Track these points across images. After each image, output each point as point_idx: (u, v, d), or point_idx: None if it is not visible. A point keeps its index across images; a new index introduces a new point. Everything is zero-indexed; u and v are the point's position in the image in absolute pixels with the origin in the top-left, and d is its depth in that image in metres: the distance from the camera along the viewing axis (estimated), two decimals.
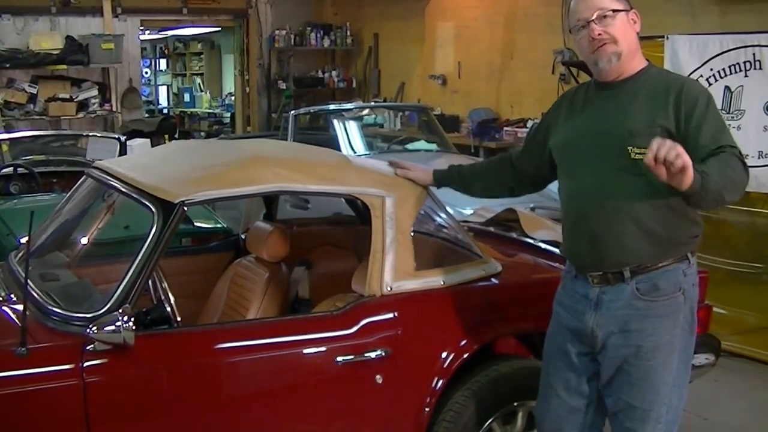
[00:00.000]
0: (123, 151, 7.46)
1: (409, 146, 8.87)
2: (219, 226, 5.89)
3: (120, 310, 2.94)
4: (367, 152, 8.30)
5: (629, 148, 2.92)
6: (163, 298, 3.25)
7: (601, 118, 3.07)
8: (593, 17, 2.98)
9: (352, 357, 3.30)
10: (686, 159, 2.53)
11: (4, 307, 3.33)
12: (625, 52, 3.01)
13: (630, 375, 3.06)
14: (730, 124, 5.54)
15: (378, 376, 3.34)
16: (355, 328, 3.33)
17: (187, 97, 18.15)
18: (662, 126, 2.90)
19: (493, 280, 3.73)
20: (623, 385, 3.08)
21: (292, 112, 8.79)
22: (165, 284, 3.28)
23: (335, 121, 8.63)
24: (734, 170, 2.76)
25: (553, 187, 4.64)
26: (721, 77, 5.74)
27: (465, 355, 3.47)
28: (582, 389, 3.21)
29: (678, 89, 2.94)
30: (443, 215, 3.94)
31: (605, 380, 3.13)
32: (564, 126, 3.22)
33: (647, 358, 3.03)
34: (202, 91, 18.06)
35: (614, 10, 2.99)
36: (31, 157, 7.84)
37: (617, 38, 2.98)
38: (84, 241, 4.10)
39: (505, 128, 10.04)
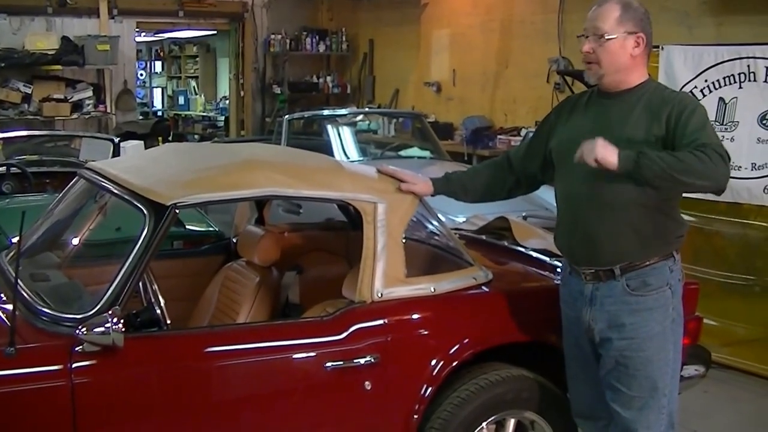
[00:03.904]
0: (116, 153, 7.42)
1: (403, 153, 8.87)
2: (211, 229, 5.88)
3: (110, 312, 2.93)
4: (361, 158, 8.30)
5: None
6: (153, 300, 3.25)
7: (600, 123, 3.25)
8: (588, 35, 3.20)
9: (341, 363, 3.30)
10: (600, 157, 2.94)
11: None
12: (607, 73, 3.21)
13: (627, 367, 3.25)
14: (723, 136, 5.57)
15: (367, 383, 3.34)
16: (344, 334, 3.33)
17: (181, 100, 18.12)
18: (656, 135, 3.11)
19: (483, 288, 3.72)
20: (621, 377, 3.27)
21: (286, 116, 8.77)
22: (155, 287, 3.27)
23: (329, 127, 8.62)
24: (700, 159, 2.91)
25: (544, 195, 4.64)
26: (716, 88, 5.76)
27: (454, 363, 3.47)
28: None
29: (673, 102, 3.14)
30: (435, 222, 3.94)
31: (604, 373, 3.31)
32: (564, 128, 3.41)
33: (642, 349, 3.23)
34: (196, 94, 18.02)
35: (607, 38, 3.15)
36: (24, 156, 7.82)
37: (601, 60, 3.20)
38: (75, 242, 4.09)
39: (499, 136, 10.05)
